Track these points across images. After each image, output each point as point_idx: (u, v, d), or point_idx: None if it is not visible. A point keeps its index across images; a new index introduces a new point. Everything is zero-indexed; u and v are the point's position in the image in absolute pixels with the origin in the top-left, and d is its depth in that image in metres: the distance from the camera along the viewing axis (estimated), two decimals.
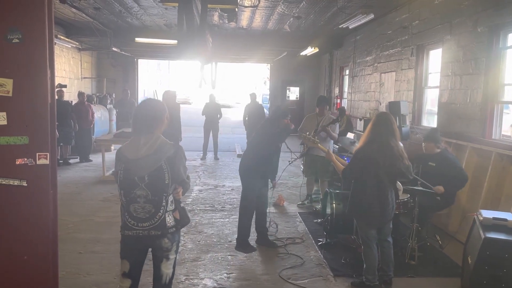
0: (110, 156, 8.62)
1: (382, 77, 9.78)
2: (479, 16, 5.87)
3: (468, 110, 6.13)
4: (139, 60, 18.10)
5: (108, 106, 13.73)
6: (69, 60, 13.38)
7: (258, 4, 8.98)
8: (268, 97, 20.69)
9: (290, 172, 8.91)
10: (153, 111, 2.80)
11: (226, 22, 10.71)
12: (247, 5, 9.07)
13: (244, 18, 10.71)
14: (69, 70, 13.44)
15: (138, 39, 12.15)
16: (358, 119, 10.98)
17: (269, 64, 19.57)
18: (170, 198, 2.76)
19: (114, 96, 15.16)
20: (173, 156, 2.69)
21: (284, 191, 7.80)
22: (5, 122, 2.90)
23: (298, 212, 6.66)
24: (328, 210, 5.29)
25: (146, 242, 2.78)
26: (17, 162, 2.94)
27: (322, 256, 4.85)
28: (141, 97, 18.69)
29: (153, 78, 29.05)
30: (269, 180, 5.28)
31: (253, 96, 12.67)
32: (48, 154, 3.00)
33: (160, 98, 9.39)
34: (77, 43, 13.07)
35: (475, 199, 5.48)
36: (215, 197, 7.50)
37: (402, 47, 8.54)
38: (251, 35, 12.90)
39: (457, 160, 5.25)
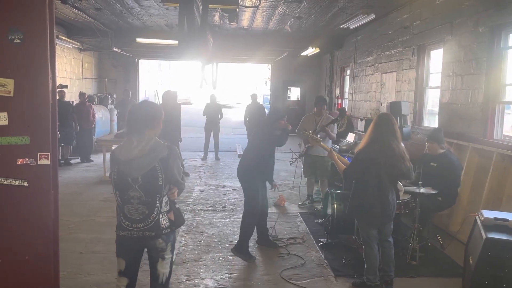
0: None
1: (383, 78, 9.78)
2: (480, 16, 5.87)
3: (470, 110, 6.12)
4: (140, 61, 18.11)
5: (109, 106, 13.74)
6: (70, 60, 13.40)
7: (259, 5, 8.98)
8: (269, 97, 20.68)
9: (291, 173, 8.91)
10: (146, 112, 2.79)
11: (227, 22, 10.71)
12: (248, 5, 9.07)
13: (245, 19, 10.71)
14: (70, 71, 13.46)
15: (139, 40, 12.16)
16: (359, 120, 10.98)
17: (270, 65, 19.58)
18: (165, 199, 2.75)
19: (115, 97, 15.17)
20: (166, 157, 2.69)
21: (285, 192, 7.80)
22: (6, 122, 2.91)
23: (299, 213, 6.65)
24: (329, 211, 5.29)
25: (141, 242, 2.78)
26: (18, 162, 2.95)
27: (323, 257, 4.85)
28: (142, 98, 18.69)
29: (154, 78, 29.09)
30: (268, 182, 5.20)
31: (254, 96, 12.68)
32: (49, 154, 3.01)
33: (160, 98, 9.39)
34: (78, 44, 13.09)
35: (477, 199, 5.48)
36: (216, 197, 7.50)
37: (403, 47, 8.53)
38: (252, 35, 12.90)
39: (459, 165, 5.20)
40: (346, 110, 11.67)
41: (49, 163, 3.01)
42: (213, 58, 11.09)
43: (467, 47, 6.19)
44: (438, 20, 7.07)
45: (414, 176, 4.25)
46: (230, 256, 4.86)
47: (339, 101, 14.10)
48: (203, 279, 4.27)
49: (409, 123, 7.30)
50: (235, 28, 11.91)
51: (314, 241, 5.33)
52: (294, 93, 18.40)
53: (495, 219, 3.85)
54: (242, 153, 6.24)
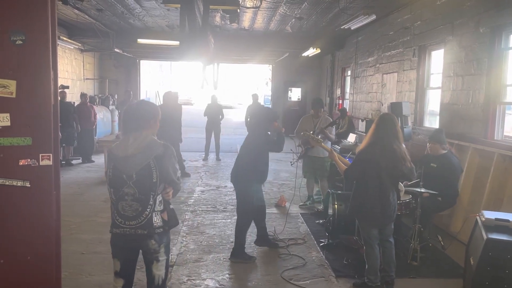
0: None
1: (384, 78, 9.78)
2: (481, 16, 5.87)
3: (470, 111, 6.12)
4: (141, 61, 18.14)
5: (111, 107, 13.76)
6: (71, 61, 13.42)
7: (260, 5, 8.99)
8: (270, 98, 20.69)
9: (291, 173, 8.91)
10: (142, 111, 2.83)
11: (228, 23, 10.72)
12: (249, 6, 9.08)
13: (246, 19, 10.72)
14: (72, 71, 13.49)
15: (140, 40, 12.18)
16: (360, 120, 10.98)
17: (271, 65, 19.59)
18: (159, 198, 2.76)
19: (116, 97, 15.19)
20: (161, 155, 2.71)
21: (285, 192, 7.80)
22: (8, 123, 2.92)
23: (300, 213, 6.66)
24: (330, 211, 5.29)
25: (134, 241, 2.76)
26: (21, 163, 2.95)
27: (324, 257, 4.85)
28: (143, 98, 18.72)
29: (155, 79, 29.09)
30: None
31: (255, 97, 12.68)
32: (51, 155, 3.02)
33: (161, 99, 9.40)
34: (80, 44, 13.11)
35: (477, 200, 5.47)
36: (217, 198, 7.50)
37: (404, 48, 8.54)
38: (253, 36, 12.91)
39: (459, 167, 5.18)
40: (347, 110, 11.66)
41: (51, 164, 3.02)
42: (214, 59, 11.08)
43: (468, 48, 6.20)
44: (439, 20, 7.08)
45: (416, 176, 4.26)
46: None
47: (340, 101, 14.10)
48: (204, 279, 4.28)
49: (410, 123, 7.30)
50: (236, 28, 11.92)
51: (315, 242, 5.33)
52: (295, 94, 18.41)
53: (496, 219, 3.85)
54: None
